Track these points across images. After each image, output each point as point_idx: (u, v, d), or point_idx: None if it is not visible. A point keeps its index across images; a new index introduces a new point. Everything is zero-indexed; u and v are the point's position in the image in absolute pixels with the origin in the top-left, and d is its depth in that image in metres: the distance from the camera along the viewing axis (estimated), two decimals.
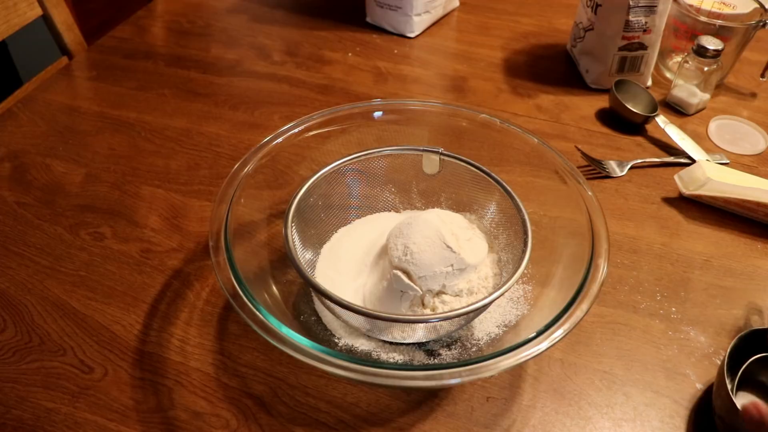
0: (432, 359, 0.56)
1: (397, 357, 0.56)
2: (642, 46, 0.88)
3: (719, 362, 0.57)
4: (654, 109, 0.84)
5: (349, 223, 0.66)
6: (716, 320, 0.62)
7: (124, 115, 0.87)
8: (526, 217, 0.58)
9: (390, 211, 0.69)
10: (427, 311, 0.55)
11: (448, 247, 0.55)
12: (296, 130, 0.64)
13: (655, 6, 0.84)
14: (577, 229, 0.56)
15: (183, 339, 0.59)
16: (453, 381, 0.46)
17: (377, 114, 0.67)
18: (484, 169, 0.62)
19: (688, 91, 0.87)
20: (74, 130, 0.84)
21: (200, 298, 0.63)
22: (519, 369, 0.57)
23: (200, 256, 0.67)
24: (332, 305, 0.52)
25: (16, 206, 0.73)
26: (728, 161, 0.80)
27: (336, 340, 0.57)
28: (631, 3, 0.83)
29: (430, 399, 0.55)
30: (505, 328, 0.57)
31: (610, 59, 0.89)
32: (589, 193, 0.57)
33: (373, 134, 0.66)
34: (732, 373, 0.53)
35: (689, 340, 0.60)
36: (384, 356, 0.56)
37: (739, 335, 0.53)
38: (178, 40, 1.03)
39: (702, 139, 0.84)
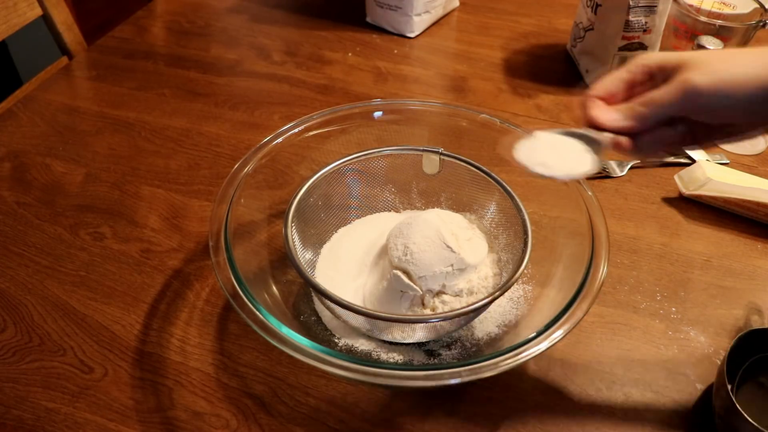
0: (432, 359, 0.56)
1: (397, 357, 0.56)
2: (642, 46, 0.88)
3: (719, 362, 0.57)
4: None
5: (349, 223, 0.66)
6: (716, 320, 0.62)
7: (124, 115, 0.87)
8: (526, 217, 0.58)
9: (390, 211, 0.69)
10: (427, 311, 0.55)
11: (448, 247, 0.55)
12: (296, 130, 0.64)
13: (655, 6, 0.84)
14: (577, 229, 0.56)
15: (183, 339, 0.59)
16: (453, 381, 0.46)
17: (377, 114, 0.67)
18: (484, 169, 0.62)
19: None
20: (74, 130, 0.84)
21: (200, 298, 0.63)
22: (519, 369, 0.57)
23: (200, 256, 0.67)
24: (332, 305, 0.52)
25: (16, 206, 0.73)
26: (728, 161, 0.80)
27: (336, 340, 0.57)
28: (631, 3, 0.83)
29: (430, 399, 0.55)
30: (505, 328, 0.57)
31: (610, 59, 0.89)
32: (589, 193, 0.57)
33: (373, 134, 0.66)
34: (732, 373, 0.53)
35: (689, 340, 0.60)
36: (384, 356, 0.56)
37: (739, 335, 0.53)
38: (178, 40, 1.03)
39: None
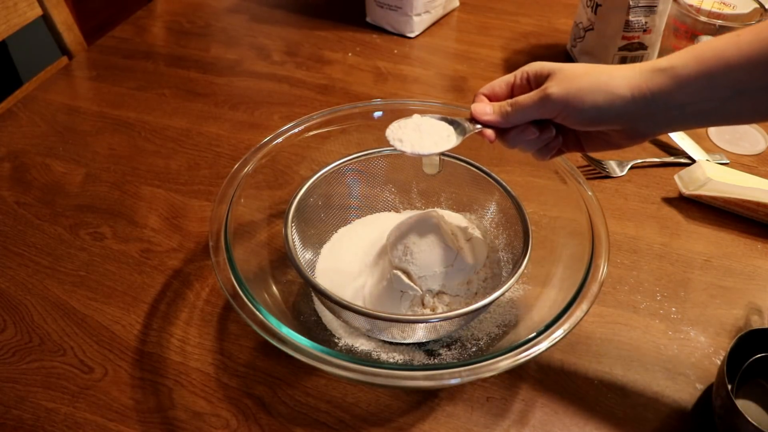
0: (432, 359, 0.56)
1: (397, 357, 0.56)
2: (642, 46, 0.88)
3: (719, 362, 0.57)
4: None
5: (349, 223, 0.66)
6: (716, 320, 0.62)
7: (124, 115, 0.87)
8: (526, 217, 0.58)
9: (390, 211, 0.69)
10: (427, 311, 0.55)
11: (448, 247, 0.55)
12: (296, 130, 0.64)
13: (655, 6, 0.84)
14: (577, 229, 0.56)
15: (183, 339, 0.59)
16: (453, 381, 0.46)
17: (377, 114, 0.67)
18: (484, 169, 0.62)
19: None
20: (74, 130, 0.84)
21: (200, 298, 0.63)
22: (519, 369, 0.57)
23: (200, 256, 0.67)
24: (332, 305, 0.52)
25: (16, 206, 0.73)
26: (728, 161, 0.80)
27: (336, 340, 0.57)
28: (631, 3, 0.83)
29: (430, 399, 0.55)
30: (505, 328, 0.57)
31: (610, 59, 0.89)
32: (589, 193, 0.57)
33: (373, 134, 0.66)
34: (732, 373, 0.53)
35: (689, 340, 0.60)
36: (384, 356, 0.56)
37: (739, 335, 0.53)
38: (178, 40, 1.03)
39: (702, 139, 0.84)
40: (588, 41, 0.91)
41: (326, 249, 0.63)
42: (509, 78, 0.51)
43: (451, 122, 0.52)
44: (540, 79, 0.49)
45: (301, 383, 0.56)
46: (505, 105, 0.50)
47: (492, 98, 0.52)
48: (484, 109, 0.50)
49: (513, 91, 0.51)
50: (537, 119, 0.49)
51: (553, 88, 0.47)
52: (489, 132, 0.51)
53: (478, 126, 0.51)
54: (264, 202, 0.63)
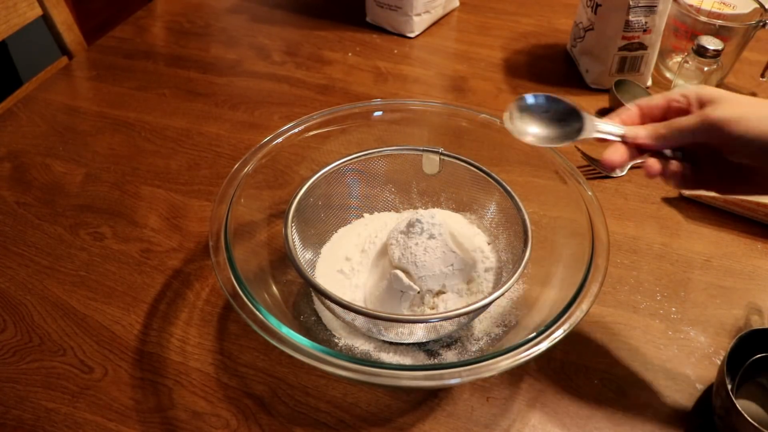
0: (432, 359, 0.56)
1: (397, 357, 0.56)
2: (642, 46, 0.88)
3: (719, 362, 0.57)
4: None
5: (349, 223, 0.66)
6: (716, 320, 0.62)
7: (124, 115, 0.87)
8: (526, 217, 0.58)
9: (390, 211, 0.69)
10: (427, 311, 0.55)
11: (448, 247, 0.55)
12: (296, 130, 0.64)
13: (655, 6, 0.84)
14: (577, 229, 0.56)
15: (183, 339, 0.59)
16: (453, 381, 0.46)
17: (377, 114, 0.67)
18: (484, 169, 0.62)
19: None
20: (74, 130, 0.84)
21: (200, 298, 0.63)
22: (519, 369, 0.57)
23: (200, 256, 0.67)
24: (332, 305, 0.52)
25: (16, 206, 0.73)
26: None
27: (336, 340, 0.57)
28: (631, 3, 0.83)
29: (430, 399, 0.55)
30: (505, 328, 0.57)
31: (610, 59, 0.89)
32: (589, 193, 0.57)
33: (373, 134, 0.66)
34: (732, 373, 0.53)
35: (689, 340, 0.60)
36: (384, 356, 0.56)
37: (739, 335, 0.53)
38: (178, 40, 1.03)
39: None
40: (588, 41, 0.91)
41: (326, 249, 0.63)
42: (665, 98, 0.49)
43: (567, 112, 0.49)
44: (702, 104, 0.47)
45: (301, 383, 0.56)
46: (660, 127, 0.48)
47: (644, 118, 0.50)
48: (637, 132, 0.48)
49: (667, 113, 0.49)
50: (691, 144, 0.47)
51: (715, 111, 0.45)
52: (653, 165, 0.48)
53: (599, 134, 0.48)
54: (264, 202, 0.63)
